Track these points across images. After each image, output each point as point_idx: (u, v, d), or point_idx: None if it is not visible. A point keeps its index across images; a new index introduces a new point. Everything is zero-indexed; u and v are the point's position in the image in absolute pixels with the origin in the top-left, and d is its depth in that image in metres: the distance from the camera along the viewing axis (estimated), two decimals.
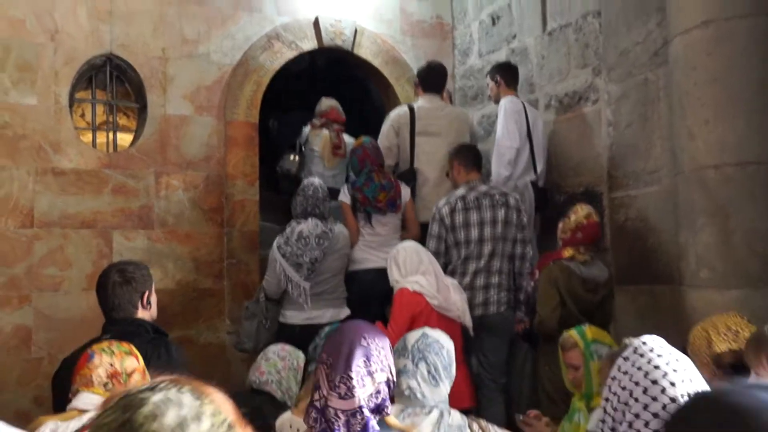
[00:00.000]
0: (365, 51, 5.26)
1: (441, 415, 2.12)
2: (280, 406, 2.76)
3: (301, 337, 3.71)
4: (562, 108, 4.47)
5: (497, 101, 4.47)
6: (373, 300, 3.96)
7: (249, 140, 4.82)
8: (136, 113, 4.93)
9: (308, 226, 4.00)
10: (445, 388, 2.18)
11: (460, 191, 3.92)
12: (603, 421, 1.57)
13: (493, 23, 5.11)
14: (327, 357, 1.76)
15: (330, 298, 4.05)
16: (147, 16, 4.61)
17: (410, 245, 3.70)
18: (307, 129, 4.97)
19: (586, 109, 4.27)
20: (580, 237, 3.60)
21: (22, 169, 4.23)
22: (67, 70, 4.39)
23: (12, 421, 4.13)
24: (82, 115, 5.15)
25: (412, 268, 3.52)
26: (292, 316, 4.03)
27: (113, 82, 4.67)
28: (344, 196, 4.27)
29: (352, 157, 4.33)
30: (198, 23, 4.75)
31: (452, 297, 3.51)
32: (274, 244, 4.09)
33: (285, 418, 2.48)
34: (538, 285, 3.51)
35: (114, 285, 2.55)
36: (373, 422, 1.69)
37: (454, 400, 2.29)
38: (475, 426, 2.18)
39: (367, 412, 1.68)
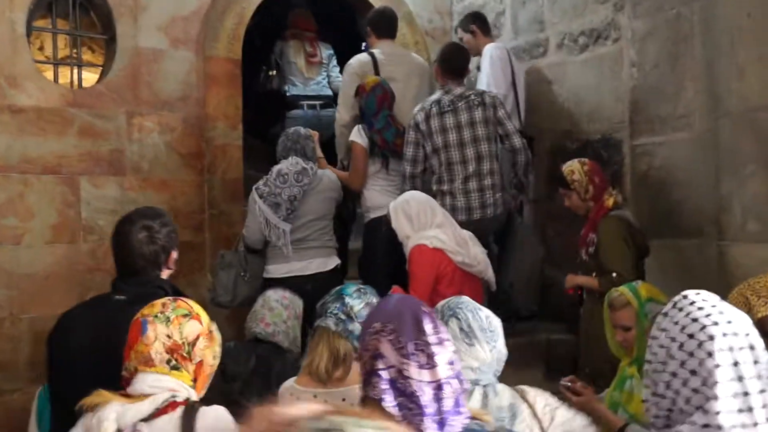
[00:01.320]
0: None
1: (485, 395, 1.81)
2: (285, 352, 2.87)
3: None
4: (578, 47, 4.11)
5: (477, 53, 4.31)
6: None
7: (231, 78, 4.36)
8: (102, 47, 4.41)
9: (288, 163, 3.71)
10: (484, 353, 1.85)
11: (434, 96, 3.83)
12: (646, 386, 1.43)
13: None
14: (384, 325, 1.43)
15: (314, 246, 3.69)
16: None
17: (420, 195, 3.36)
18: (279, 43, 5.10)
19: (606, 48, 3.93)
20: (598, 181, 3.30)
21: None
22: None
23: None
24: (41, 48, 4.60)
25: (426, 221, 3.19)
26: (275, 270, 3.70)
27: (77, 9, 4.14)
28: (359, 137, 3.92)
29: (370, 96, 3.95)
30: None
31: (472, 250, 3.20)
32: (254, 187, 3.77)
33: (287, 386, 2.17)
34: (602, 243, 3.14)
35: (140, 244, 2.18)
36: (463, 398, 1.37)
37: None
38: (529, 398, 1.88)
39: (456, 385, 1.36)
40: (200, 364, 1.63)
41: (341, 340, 2.02)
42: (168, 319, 1.63)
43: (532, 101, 4.42)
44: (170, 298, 1.75)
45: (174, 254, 2.30)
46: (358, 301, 2.08)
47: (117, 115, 4.05)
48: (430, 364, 1.38)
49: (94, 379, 1.66)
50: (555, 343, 4.05)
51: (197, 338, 1.64)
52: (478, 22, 4.41)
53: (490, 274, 3.28)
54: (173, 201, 4.19)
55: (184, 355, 1.60)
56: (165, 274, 2.28)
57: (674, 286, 3.38)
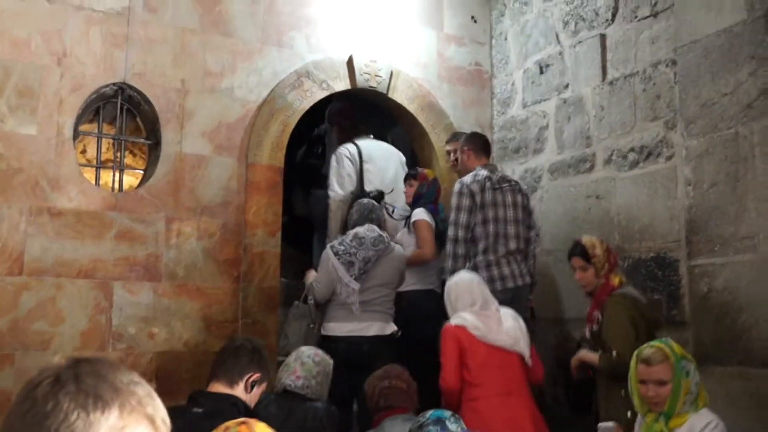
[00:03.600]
0: (400, 95, 4.84)
1: None
2: (310, 401, 2.95)
3: (346, 351, 3.65)
4: (627, 164, 4.04)
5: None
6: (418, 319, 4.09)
7: (272, 186, 4.31)
8: (144, 151, 4.41)
9: (364, 228, 3.89)
10: None
11: (483, 172, 4.04)
12: None
13: (541, 71, 4.72)
14: None
15: (378, 310, 3.84)
16: (167, 44, 4.14)
17: (464, 280, 3.54)
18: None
19: (658, 165, 3.85)
20: (614, 261, 3.40)
21: (14, 208, 3.66)
22: (73, 98, 3.88)
23: None
24: (83, 152, 4.61)
25: (464, 305, 3.42)
26: (337, 328, 3.78)
27: (124, 115, 4.16)
28: (426, 216, 4.26)
29: (432, 186, 4.38)
30: (222, 55, 4.29)
31: (505, 325, 3.37)
32: (328, 245, 3.97)
33: None
34: (606, 322, 3.19)
35: (239, 349, 2.52)
36: None
37: None
38: None
39: None
40: None
41: None
42: None
43: (578, 216, 4.33)
44: (236, 421, 1.69)
45: (255, 378, 2.48)
46: (456, 425, 2.19)
47: (156, 220, 3.99)
48: None
49: None
50: None
51: None
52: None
53: (521, 346, 3.36)
54: (207, 309, 4.05)
55: None
56: (242, 395, 2.42)
57: (745, 418, 3.13)
